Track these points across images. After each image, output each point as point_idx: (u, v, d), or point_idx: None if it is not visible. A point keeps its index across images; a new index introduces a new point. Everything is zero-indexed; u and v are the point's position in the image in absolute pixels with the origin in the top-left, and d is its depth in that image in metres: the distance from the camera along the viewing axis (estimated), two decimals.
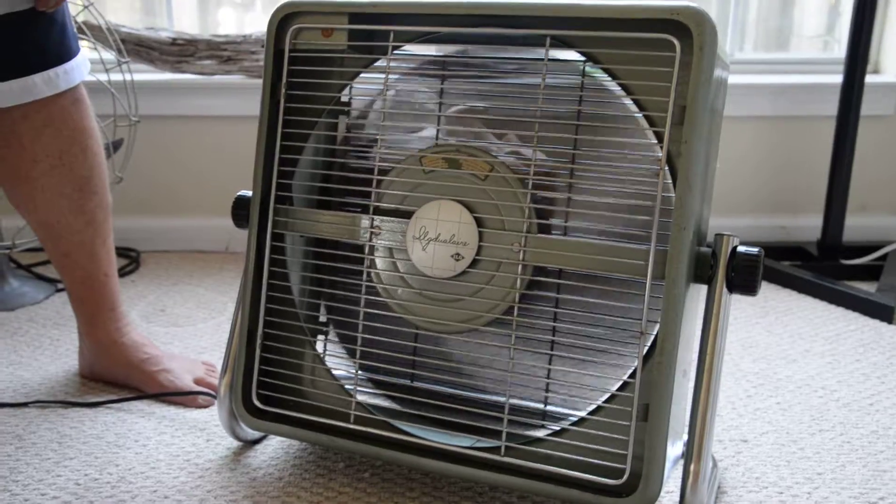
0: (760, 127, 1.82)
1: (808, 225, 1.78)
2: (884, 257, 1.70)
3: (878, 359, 1.28)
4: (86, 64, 1.10)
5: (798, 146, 1.82)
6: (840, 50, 1.69)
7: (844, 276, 1.61)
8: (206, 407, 1.11)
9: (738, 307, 1.49)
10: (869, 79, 1.66)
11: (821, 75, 1.83)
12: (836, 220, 1.68)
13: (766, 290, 1.59)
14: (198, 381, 1.14)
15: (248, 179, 0.94)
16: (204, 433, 1.04)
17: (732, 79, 1.78)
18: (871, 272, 1.64)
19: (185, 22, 1.91)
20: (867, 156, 1.75)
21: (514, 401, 0.85)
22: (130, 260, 1.73)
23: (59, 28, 1.05)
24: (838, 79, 1.64)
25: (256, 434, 1.02)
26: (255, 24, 1.96)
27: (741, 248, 0.81)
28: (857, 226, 1.76)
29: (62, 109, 1.07)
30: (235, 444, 1.02)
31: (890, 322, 1.42)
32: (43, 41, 1.03)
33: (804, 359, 1.29)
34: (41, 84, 1.03)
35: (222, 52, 1.72)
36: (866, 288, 1.55)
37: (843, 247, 1.69)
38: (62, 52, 1.05)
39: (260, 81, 0.91)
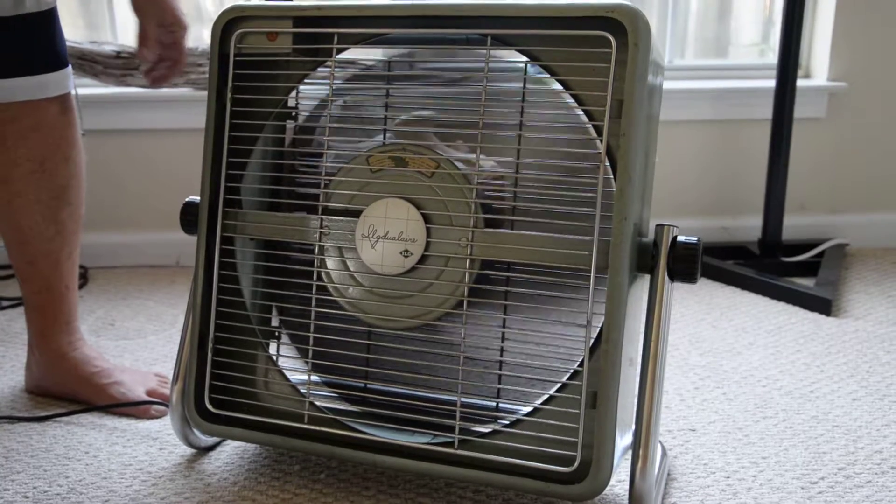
0: (701, 131, 1.87)
1: (748, 225, 1.83)
2: (822, 254, 1.76)
3: (817, 349, 1.33)
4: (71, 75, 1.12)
5: (737, 149, 1.88)
6: (774, 56, 1.75)
7: (785, 273, 1.66)
8: (158, 417, 1.10)
9: (684, 304, 1.52)
10: (801, 83, 1.72)
11: (757, 80, 1.89)
12: (776, 220, 1.73)
13: (711, 287, 1.64)
14: (150, 393, 1.13)
15: (198, 191, 0.93)
16: (157, 442, 1.03)
17: (674, 84, 1.85)
18: (810, 268, 1.69)
19: (130, 36, 1.90)
20: (803, 157, 1.81)
21: (466, 393, 0.86)
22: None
23: (60, 35, 1.08)
24: (773, 83, 1.70)
25: (210, 441, 1.01)
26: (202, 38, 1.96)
27: (681, 238, 0.84)
28: (795, 225, 1.82)
29: (52, 116, 1.07)
30: (189, 451, 1.01)
31: (828, 314, 1.47)
32: (53, 45, 1.06)
33: (748, 351, 1.33)
34: (53, 83, 1.06)
35: None
36: (806, 283, 1.60)
37: (783, 245, 1.75)
38: (64, 58, 1.08)
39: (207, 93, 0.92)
